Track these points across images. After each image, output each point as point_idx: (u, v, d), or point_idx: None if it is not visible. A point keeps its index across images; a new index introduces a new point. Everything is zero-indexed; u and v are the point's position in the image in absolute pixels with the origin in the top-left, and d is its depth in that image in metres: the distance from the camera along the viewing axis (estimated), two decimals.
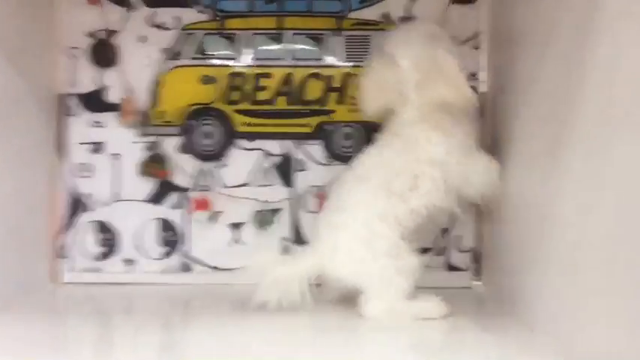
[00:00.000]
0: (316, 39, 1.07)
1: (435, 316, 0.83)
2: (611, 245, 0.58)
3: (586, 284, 0.64)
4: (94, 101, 1.07)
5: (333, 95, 1.07)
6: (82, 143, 1.07)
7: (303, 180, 1.07)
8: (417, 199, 0.85)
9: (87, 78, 1.06)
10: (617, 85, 0.58)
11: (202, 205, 1.06)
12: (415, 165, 0.85)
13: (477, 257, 1.06)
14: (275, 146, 1.07)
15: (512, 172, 0.89)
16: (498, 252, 0.96)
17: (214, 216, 1.07)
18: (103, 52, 1.06)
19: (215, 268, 1.07)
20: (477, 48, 1.06)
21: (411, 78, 0.87)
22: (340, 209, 0.87)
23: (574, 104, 0.68)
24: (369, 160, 0.89)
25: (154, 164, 1.06)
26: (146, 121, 1.06)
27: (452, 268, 1.07)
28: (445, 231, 1.06)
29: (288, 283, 0.85)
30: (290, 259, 0.89)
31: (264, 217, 1.06)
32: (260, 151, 1.07)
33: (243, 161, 1.07)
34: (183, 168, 1.07)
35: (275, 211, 1.07)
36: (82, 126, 1.06)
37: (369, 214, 0.85)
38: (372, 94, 0.89)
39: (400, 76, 0.87)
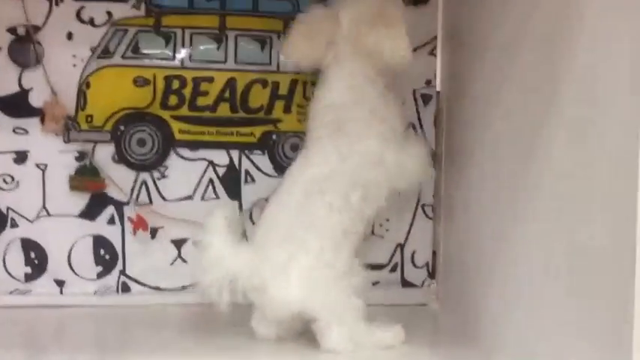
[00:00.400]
0: (262, 41, 1.00)
1: (394, 344, 0.81)
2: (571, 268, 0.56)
3: (539, 301, 0.62)
4: (16, 105, 0.97)
5: (280, 103, 1.01)
6: (3, 152, 0.97)
7: (250, 193, 1.01)
8: (370, 208, 0.82)
9: (7, 79, 0.97)
10: (572, 85, 0.56)
11: (141, 223, 0.98)
12: (360, 171, 0.81)
13: (432, 273, 1.04)
14: (220, 156, 1.01)
15: (468, 179, 0.86)
16: (454, 268, 0.95)
17: (154, 232, 1.00)
18: (25, 50, 0.96)
19: (156, 288, 1.01)
20: (432, 54, 1.01)
21: (348, 30, 0.83)
22: (294, 226, 0.81)
23: (534, 108, 0.65)
24: (314, 169, 0.82)
25: (84, 177, 0.98)
26: (73, 128, 0.97)
27: (406, 284, 1.04)
28: (400, 246, 1.03)
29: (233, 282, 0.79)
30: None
31: None
32: (204, 161, 1.00)
33: (185, 172, 1.00)
34: (119, 179, 0.99)
35: None
36: (3, 133, 0.97)
37: (327, 233, 0.80)
38: (302, 40, 0.85)
39: (337, 27, 0.83)
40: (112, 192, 0.99)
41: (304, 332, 0.81)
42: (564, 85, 0.59)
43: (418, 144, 0.87)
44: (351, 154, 0.81)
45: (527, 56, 0.68)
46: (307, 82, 1.00)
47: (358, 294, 0.79)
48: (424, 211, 1.03)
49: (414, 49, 0.99)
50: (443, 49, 1.01)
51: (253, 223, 1.01)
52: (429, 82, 1.02)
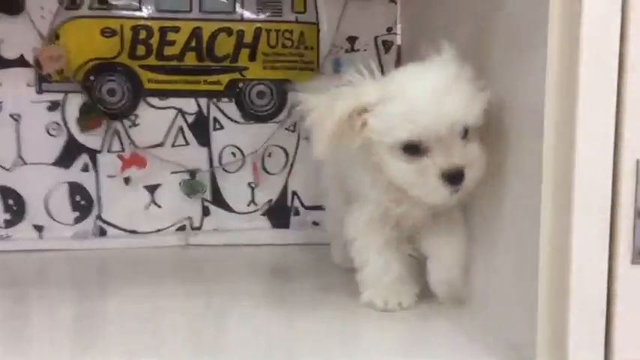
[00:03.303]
0: None
1: None
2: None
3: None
4: None
5: (245, 51, 1.03)
6: None
7: (219, 139, 1.04)
8: None
9: None
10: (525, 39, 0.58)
11: (131, 162, 1.02)
12: None
13: None
14: (188, 104, 1.04)
15: None
16: None
17: (128, 178, 1.04)
18: None
19: (132, 231, 1.05)
20: (393, 1, 1.04)
21: None
22: None
23: (489, 57, 0.67)
24: None
25: (91, 115, 1.00)
26: (44, 78, 1.00)
27: None
28: None
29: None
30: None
31: (193, 185, 1.04)
32: (173, 109, 1.03)
33: (155, 120, 1.03)
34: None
35: (193, 172, 1.04)
36: None
37: None
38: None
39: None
40: (85, 140, 1.02)
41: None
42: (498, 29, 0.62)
43: None
44: None
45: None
46: (271, 30, 1.03)
47: None
48: None
49: None
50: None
51: (224, 170, 1.05)
52: (389, 29, 1.05)
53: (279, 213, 1.07)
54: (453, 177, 0.60)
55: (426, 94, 0.60)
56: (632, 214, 0.50)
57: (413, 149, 0.61)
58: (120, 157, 1.03)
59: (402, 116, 0.60)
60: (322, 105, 0.64)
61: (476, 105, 0.61)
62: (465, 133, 0.62)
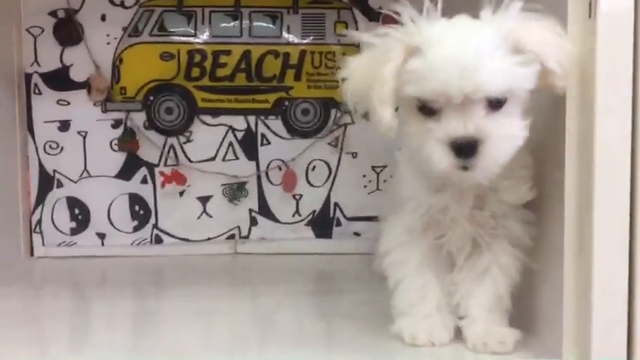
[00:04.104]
0: (273, 17, 1.10)
1: None
2: None
3: None
4: (59, 80, 1.09)
5: (291, 72, 1.10)
6: (48, 122, 1.09)
7: (266, 154, 1.11)
8: None
9: (50, 57, 1.08)
10: None
11: (171, 179, 1.10)
12: None
13: None
14: (238, 122, 1.11)
15: None
16: None
17: (183, 190, 1.11)
18: (66, 31, 1.08)
19: (185, 239, 1.12)
20: None
21: None
22: None
23: None
24: None
25: (125, 138, 1.09)
26: (109, 98, 1.09)
27: None
28: None
29: None
30: None
31: (236, 191, 1.11)
32: (224, 126, 1.11)
33: (208, 136, 1.11)
34: (150, 143, 1.10)
35: (242, 184, 1.11)
36: (48, 104, 1.09)
37: None
38: None
39: None
40: (144, 155, 1.11)
41: None
42: None
43: None
44: None
45: None
46: (315, 51, 1.10)
47: None
48: None
49: None
50: None
51: (270, 182, 1.12)
52: None
53: (322, 223, 1.13)
54: (462, 148, 0.54)
55: (447, 51, 0.53)
56: None
57: (428, 109, 0.55)
58: (161, 173, 1.10)
59: (420, 71, 0.54)
60: (370, 60, 0.57)
61: (507, 77, 0.53)
62: (498, 105, 0.55)
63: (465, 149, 0.54)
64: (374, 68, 0.56)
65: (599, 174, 0.53)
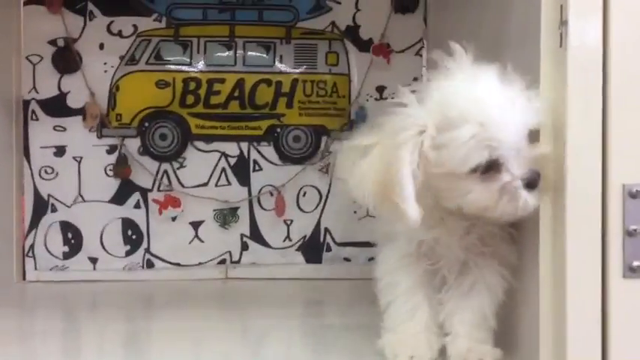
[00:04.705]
0: (267, 47, 1.13)
1: None
2: None
3: None
4: (56, 106, 1.11)
5: (283, 100, 1.13)
6: (44, 147, 1.11)
7: (258, 180, 1.13)
8: None
9: (48, 84, 1.11)
10: None
11: (166, 204, 1.12)
12: None
13: None
14: (231, 148, 1.13)
15: None
16: None
17: (176, 215, 1.13)
18: (64, 59, 1.11)
19: (177, 264, 1.13)
20: (419, 54, 1.13)
21: None
22: None
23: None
24: None
25: (119, 165, 1.11)
26: (104, 124, 1.11)
27: None
28: None
29: None
30: None
31: (227, 216, 1.13)
32: (217, 152, 1.13)
33: (201, 162, 1.13)
34: (144, 169, 1.12)
35: (234, 209, 1.13)
36: (44, 130, 1.11)
37: None
38: None
39: None
40: (138, 180, 1.13)
41: None
42: None
43: None
44: None
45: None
46: (307, 80, 1.13)
47: None
48: None
49: (403, 50, 1.13)
50: (428, 49, 1.13)
51: (262, 207, 1.14)
52: (415, 79, 1.14)
53: (312, 249, 1.14)
54: (532, 182, 0.57)
55: (493, 109, 0.56)
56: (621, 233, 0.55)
57: (489, 168, 0.57)
58: (155, 201, 1.12)
59: (477, 138, 0.55)
60: (381, 160, 0.58)
61: (533, 104, 0.57)
62: (534, 137, 0.59)
63: (535, 181, 0.57)
64: (384, 166, 0.57)
65: (570, 199, 0.55)
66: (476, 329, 0.64)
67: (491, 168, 0.57)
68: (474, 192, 0.57)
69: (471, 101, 0.56)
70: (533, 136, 0.59)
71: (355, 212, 1.13)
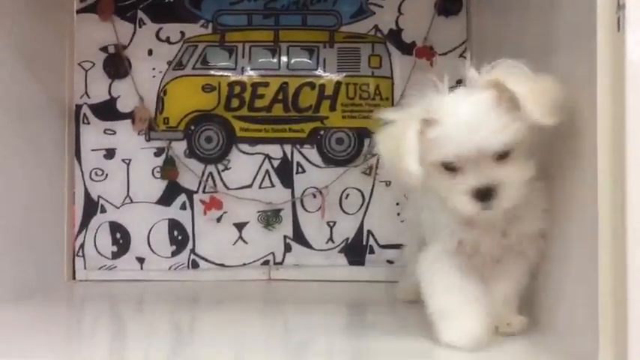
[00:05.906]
0: (310, 50, 1.15)
1: None
2: None
3: None
4: (107, 110, 1.15)
5: (326, 103, 1.14)
6: (95, 150, 1.15)
7: (301, 182, 1.14)
8: None
9: (99, 89, 1.15)
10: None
11: (211, 205, 1.14)
12: None
13: None
14: (275, 150, 1.15)
15: None
16: None
17: (220, 215, 1.15)
18: (115, 65, 1.15)
19: (221, 265, 1.15)
20: (462, 56, 1.13)
21: None
22: None
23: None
24: None
25: (166, 167, 1.14)
26: (153, 128, 1.14)
27: None
28: None
29: None
30: None
31: (270, 218, 1.14)
32: (261, 155, 1.15)
33: (245, 164, 1.15)
34: (190, 171, 1.14)
35: (277, 211, 1.14)
36: (95, 133, 1.15)
37: None
38: None
39: None
40: (184, 182, 1.15)
41: None
42: None
43: None
44: None
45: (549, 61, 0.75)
46: (350, 83, 1.14)
47: None
48: None
49: (446, 53, 1.13)
50: (471, 52, 1.12)
51: (305, 209, 1.15)
52: (459, 82, 1.13)
53: (355, 251, 1.14)
54: (482, 195, 0.66)
55: (459, 122, 0.66)
56: None
57: (450, 167, 0.68)
58: (201, 201, 1.14)
59: (440, 139, 0.66)
60: (395, 128, 0.70)
61: (506, 133, 0.65)
62: (505, 155, 0.66)
63: (485, 195, 0.66)
64: (398, 133, 0.69)
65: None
66: (505, 304, 0.75)
67: (453, 169, 0.67)
68: (437, 184, 0.69)
69: (447, 108, 0.67)
70: (515, 153, 0.66)
71: (398, 214, 1.13)
